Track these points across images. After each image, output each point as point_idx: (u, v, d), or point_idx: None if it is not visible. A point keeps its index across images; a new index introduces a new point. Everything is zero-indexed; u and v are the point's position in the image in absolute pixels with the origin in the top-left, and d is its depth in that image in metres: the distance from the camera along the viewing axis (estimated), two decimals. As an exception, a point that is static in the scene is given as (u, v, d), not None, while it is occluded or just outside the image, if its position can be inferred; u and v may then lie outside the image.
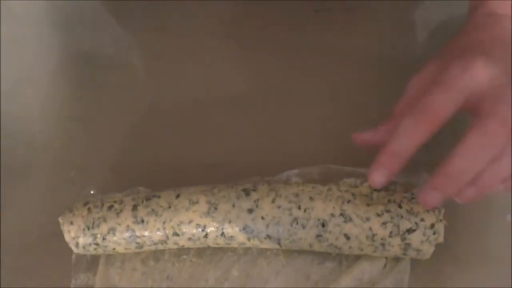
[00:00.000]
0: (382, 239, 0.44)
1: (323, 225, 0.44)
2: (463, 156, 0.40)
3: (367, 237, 0.44)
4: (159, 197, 0.48)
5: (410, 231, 0.43)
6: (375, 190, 0.46)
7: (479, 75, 0.41)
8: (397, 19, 0.63)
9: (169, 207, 0.47)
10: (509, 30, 0.46)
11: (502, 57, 0.42)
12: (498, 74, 0.41)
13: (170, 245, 0.48)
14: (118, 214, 0.47)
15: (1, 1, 0.69)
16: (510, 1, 0.47)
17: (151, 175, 0.55)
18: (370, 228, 0.44)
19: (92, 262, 0.51)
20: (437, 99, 0.41)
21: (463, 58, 0.42)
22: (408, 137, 0.41)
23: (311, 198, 0.45)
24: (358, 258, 0.47)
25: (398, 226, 0.43)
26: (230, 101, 0.59)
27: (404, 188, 0.49)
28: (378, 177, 0.43)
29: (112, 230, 0.47)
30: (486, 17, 0.47)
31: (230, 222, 0.46)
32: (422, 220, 0.43)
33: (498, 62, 0.42)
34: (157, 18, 0.67)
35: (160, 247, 0.48)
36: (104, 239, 0.47)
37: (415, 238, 0.43)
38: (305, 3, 0.64)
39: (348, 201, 0.45)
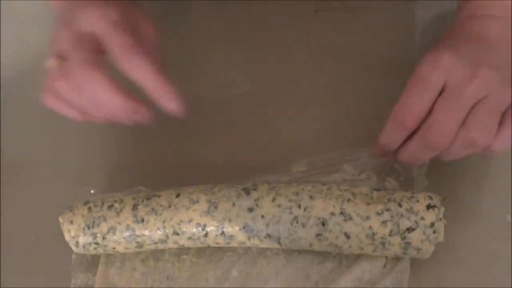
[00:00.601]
0: (382, 238, 0.44)
1: (323, 224, 0.44)
2: (404, 154, 0.46)
3: (367, 236, 0.44)
4: (159, 196, 0.48)
5: (410, 230, 0.43)
6: (375, 189, 0.46)
7: (447, 68, 0.43)
8: (397, 19, 0.63)
9: (169, 206, 0.47)
10: (488, 27, 0.46)
11: (470, 52, 0.44)
12: (462, 66, 0.43)
13: (170, 244, 0.48)
14: (118, 213, 0.47)
15: (1, 1, 0.69)
16: (491, 2, 0.48)
17: (151, 175, 0.55)
18: (370, 227, 0.44)
19: (92, 262, 0.51)
20: (409, 101, 0.44)
21: (432, 53, 0.44)
22: (389, 138, 0.46)
23: (311, 197, 0.45)
24: (358, 258, 0.47)
25: (398, 225, 0.43)
26: (230, 101, 0.59)
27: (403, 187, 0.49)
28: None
29: (112, 229, 0.47)
30: (467, 18, 0.49)
31: (230, 221, 0.46)
32: (422, 219, 0.43)
33: (463, 57, 0.43)
34: (157, 19, 0.67)
35: (160, 246, 0.48)
36: (104, 238, 0.47)
37: (415, 237, 0.43)
38: (305, 3, 0.64)
39: (348, 200, 0.45)
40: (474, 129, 0.43)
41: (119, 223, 0.47)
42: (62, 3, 0.48)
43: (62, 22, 0.46)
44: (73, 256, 0.50)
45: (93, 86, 0.44)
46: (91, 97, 0.45)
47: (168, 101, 0.46)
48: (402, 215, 0.43)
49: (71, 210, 0.49)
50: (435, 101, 0.44)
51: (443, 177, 0.51)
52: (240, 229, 0.46)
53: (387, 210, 0.44)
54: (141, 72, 0.45)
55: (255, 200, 0.46)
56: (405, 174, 0.51)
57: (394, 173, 0.51)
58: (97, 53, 0.45)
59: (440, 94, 0.44)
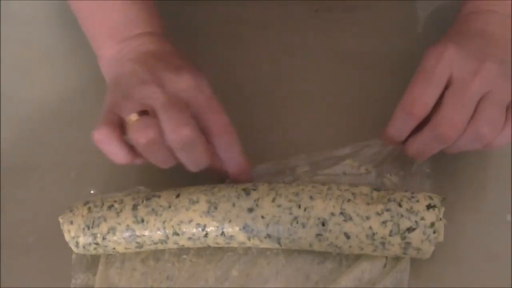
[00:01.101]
0: (382, 238, 0.44)
1: (323, 224, 0.44)
2: (413, 146, 0.47)
3: (367, 236, 0.44)
4: (159, 196, 0.48)
5: (410, 230, 0.43)
6: (375, 189, 0.46)
7: (452, 62, 0.44)
8: (397, 19, 0.63)
9: (169, 206, 0.47)
10: (491, 24, 0.47)
11: (474, 47, 0.45)
12: (466, 60, 0.44)
13: (170, 244, 0.48)
14: (118, 213, 0.47)
15: (1, 1, 0.69)
16: None
17: (151, 175, 0.55)
18: (370, 227, 0.44)
19: (92, 262, 0.51)
20: (416, 91, 0.45)
21: (436, 47, 0.45)
22: (397, 128, 0.47)
23: (311, 197, 0.45)
24: (358, 258, 0.47)
25: (398, 225, 0.43)
26: (229, 101, 0.58)
27: (403, 187, 0.49)
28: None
29: (112, 230, 0.47)
30: (470, 14, 0.49)
31: (230, 221, 0.46)
32: (422, 219, 0.43)
33: (467, 52, 0.44)
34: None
35: (160, 246, 0.48)
36: (104, 238, 0.47)
37: (415, 237, 0.43)
38: (305, 3, 0.64)
39: (348, 200, 0.45)
40: (483, 123, 0.43)
41: (119, 224, 0.47)
42: (141, 62, 0.49)
43: (145, 80, 0.47)
44: (73, 256, 0.50)
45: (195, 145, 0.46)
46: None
47: (242, 178, 0.50)
48: (402, 215, 0.43)
49: (71, 210, 0.49)
50: (442, 94, 0.44)
51: (443, 177, 0.51)
52: (240, 230, 0.46)
53: (387, 210, 0.44)
54: (230, 151, 0.48)
55: (255, 200, 0.46)
56: (405, 169, 0.51)
57: (394, 168, 0.51)
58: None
59: (446, 87, 0.44)
